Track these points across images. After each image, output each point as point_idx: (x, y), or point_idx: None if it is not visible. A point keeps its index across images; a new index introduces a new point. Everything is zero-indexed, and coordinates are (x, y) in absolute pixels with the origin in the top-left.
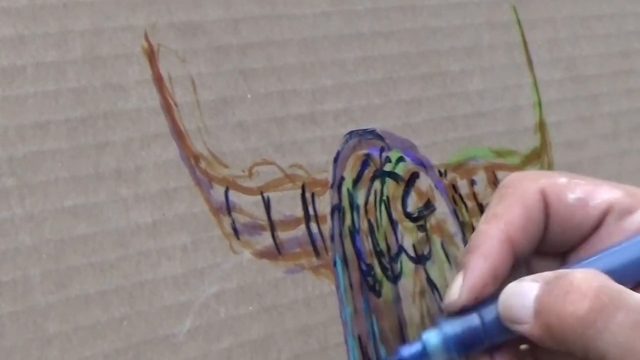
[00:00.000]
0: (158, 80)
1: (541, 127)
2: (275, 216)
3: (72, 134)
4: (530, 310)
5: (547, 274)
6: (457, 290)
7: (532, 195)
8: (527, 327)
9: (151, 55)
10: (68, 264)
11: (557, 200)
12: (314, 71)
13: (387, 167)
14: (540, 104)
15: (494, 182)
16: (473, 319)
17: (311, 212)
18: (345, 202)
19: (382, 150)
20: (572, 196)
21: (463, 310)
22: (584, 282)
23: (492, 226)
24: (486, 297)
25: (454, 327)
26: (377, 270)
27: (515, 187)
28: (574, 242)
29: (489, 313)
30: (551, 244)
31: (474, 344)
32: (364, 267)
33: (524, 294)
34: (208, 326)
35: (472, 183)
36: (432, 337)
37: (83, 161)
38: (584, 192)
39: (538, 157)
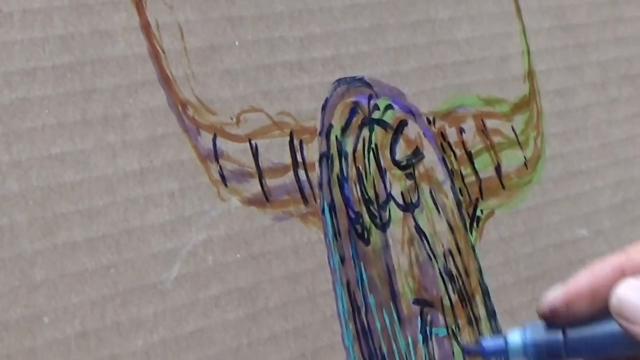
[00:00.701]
0: (145, 27)
1: (530, 75)
2: (263, 163)
3: (59, 81)
4: None
5: None
6: (553, 292)
7: None
8: None
9: (138, 2)
10: (55, 211)
11: None
12: (302, 19)
13: (376, 115)
14: (529, 52)
15: (483, 130)
16: (557, 332)
17: (299, 159)
18: (334, 150)
19: (370, 98)
20: None
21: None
22: None
23: (613, 255)
24: (578, 313)
25: (537, 334)
26: (366, 217)
27: None
28: None
29: (575, 332)
30: None
31: (552, 357)
32: (352, 215)
33: None
34: (196, 274)
35: (461, 131)
36: (514, 337)
37: (70, 108)
38: None
39: (527, 105)
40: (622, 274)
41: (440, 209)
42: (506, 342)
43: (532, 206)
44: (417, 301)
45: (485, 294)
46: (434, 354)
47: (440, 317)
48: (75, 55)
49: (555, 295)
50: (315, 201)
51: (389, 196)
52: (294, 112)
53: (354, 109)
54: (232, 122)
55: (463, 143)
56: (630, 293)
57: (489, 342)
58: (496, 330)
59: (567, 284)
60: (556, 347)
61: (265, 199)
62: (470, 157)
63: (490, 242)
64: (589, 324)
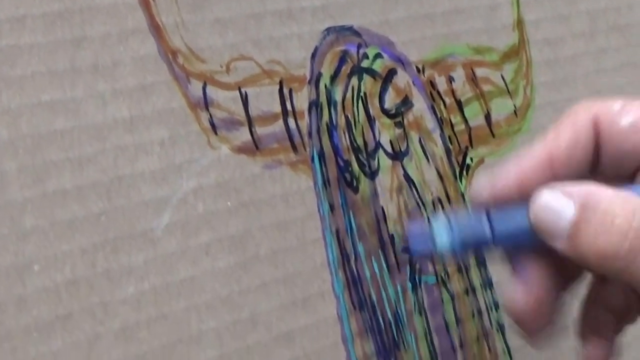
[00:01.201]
0: None
1: (519, 24)
2: (253, 112)
3: (49, 29)
4: (565, 232)
5: (582, 195)
6: (481, 187)
7: (583, 121)
8: (559, 244)
9: None
10: (45, 158)
11: (609, 127)
12: None
13: (365, 64)
14: (518, 2)
15: (472, 79)
16: (482, 222)
17: (289, 107)
18: (323, 98)
19: (359, 46)
20: (624, 121)
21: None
22: (625, 222)
23: (537, 145)
24: (506, 203)
25: (462, 225)
26: (355, 166)
27: (569, 114)
28: (630, 168)
29: (500, 219)
30: (608, 170)
31: (478, 246)
32: (341, 163)
33: (558, 212)
34: (186, 221)
35: (450, 80)
36: (440, 230)
37: (60, 56)
38: (636, 117)
39: (516, 54)
40: (550, 162)
41: (429, 157)
42: (433, 240)
43: None
44: (406, 249)
45: None
46: (423, 302)
47: (430, 265)
48: (65, 3)
49: (482, 190)
50: (305, 149)
51: (378, 145)
52: (283, 60)
53: (343, 58)
54: (222, 70)
55: (452, 91)
56: (546, 214)
57: (416, 242)
58: (486, 277)
59: (494, 180)
60: (483, 236)
61: (255, 147)
62: (459, 105)
63: None
64: (514, 214)
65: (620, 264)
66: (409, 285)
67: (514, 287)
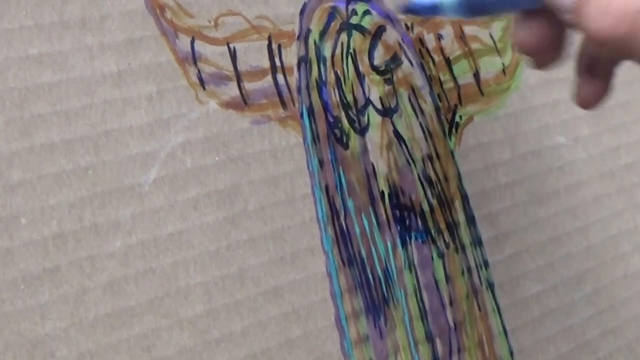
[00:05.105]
0: None
1: None
2: (241, 67)
3: None
4: (570, 8)
5: None
6: None
7: None
8: (568, 18)
9: None
10: (32, 112)
11: None
12: None
13: (354, 20)
14: None
15: (461, 37)
16: None
17: (278, 63)
18: (312, 54)
19: (348, 2)
20: None
21: None
22: (621, 5)
23: None
24: None
25: None
26: (344, 122)
27: None
28: None
29: None
30: None
31: (480, 7)
32: (330, 119)
33: None
34: (174, 176)
35: (439, 37)
36: None
37: (47, 9)
38: None
39: None
40: None
41: (418, 115)
42: None
43: (511, 113)
44: (396, 205)
45: (465, 199)
46: (413, 258)
47: (420, 222)
48: None
49: None
50: (294, 105)
51: (368, 101)
52: (272, 16)
53: (332, 14)
54: (210, 25)
55: (441, 49)
56: None
57: None
58: (475, 236)
59: None
60: None
61: (243, 102)
62: (448, 63)
63: (469, 148)
64: None
65: (617, 43)
66: (399, 242)
67: (524, 29)
